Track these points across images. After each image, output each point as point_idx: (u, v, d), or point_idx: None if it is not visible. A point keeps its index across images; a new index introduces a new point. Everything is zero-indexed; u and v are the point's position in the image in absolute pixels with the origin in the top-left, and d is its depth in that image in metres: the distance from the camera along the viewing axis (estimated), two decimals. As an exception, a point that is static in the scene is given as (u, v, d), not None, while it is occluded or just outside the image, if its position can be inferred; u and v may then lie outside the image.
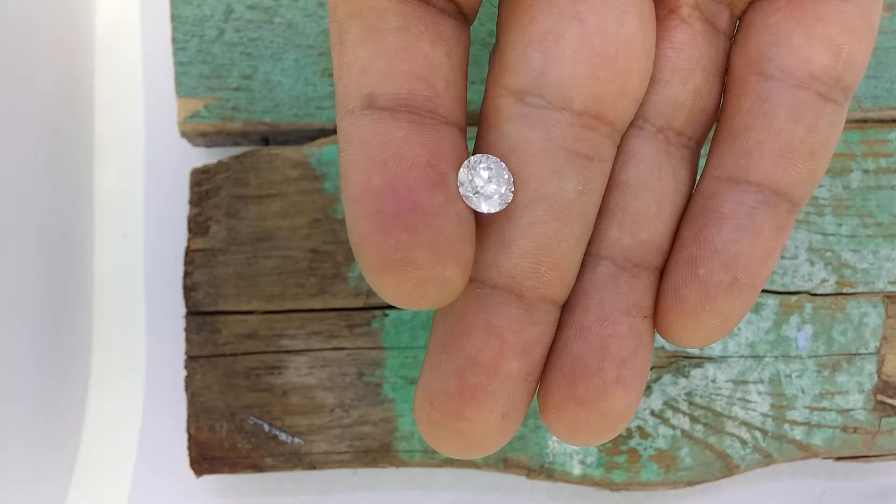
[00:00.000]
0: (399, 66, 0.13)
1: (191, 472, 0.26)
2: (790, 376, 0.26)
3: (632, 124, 0.15)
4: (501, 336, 0.14)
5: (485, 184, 0.14)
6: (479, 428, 0.14)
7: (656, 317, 0.15)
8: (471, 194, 0.13)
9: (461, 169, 0.13)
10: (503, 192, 0.14)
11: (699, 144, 0.16)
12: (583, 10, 0.14)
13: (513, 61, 0.14)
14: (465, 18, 0.15)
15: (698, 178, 0.16)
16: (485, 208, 0.14)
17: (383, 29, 0.13)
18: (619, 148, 0.15)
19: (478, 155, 0.14)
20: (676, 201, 0.15)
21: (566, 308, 0.15)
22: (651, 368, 0.26)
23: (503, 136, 0.14)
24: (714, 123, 0.16)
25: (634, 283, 0.15)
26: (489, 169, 0.14)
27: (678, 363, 0.26)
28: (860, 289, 0.26)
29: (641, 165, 0.15)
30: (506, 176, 0.14)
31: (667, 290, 0.15)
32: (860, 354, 0.26)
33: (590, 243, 0.15)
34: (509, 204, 0.14)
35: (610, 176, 0.15)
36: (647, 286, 0.15)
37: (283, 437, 0.26)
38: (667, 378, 0.26)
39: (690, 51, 0.15)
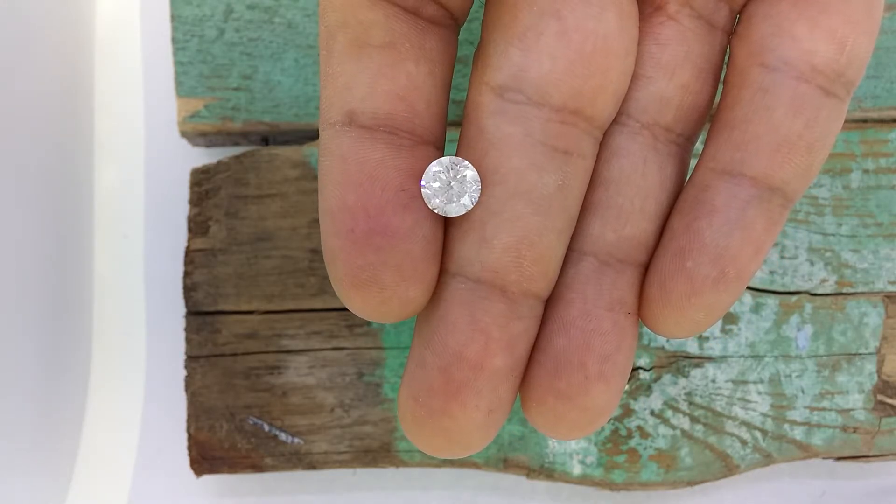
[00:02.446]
0: (382, 85, 0.14)
1: (191, 472, 0.26)
2: (790, 376, 0.26)
3: (615, 121, 0.15)
4: (486, 331, 0.14)
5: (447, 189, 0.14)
6: (465, 425, 0.14)
7: (642, 307, 0.15)
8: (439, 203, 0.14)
9: (425, 178, 0.14)
10: (470, 193, 0.14)
11: (690, 141, 0.16)
12: (562, 7, 0.14)
13: (494, 58, 0.14)
14: (454, 23, 0.15)
15: (692, 169, 0.16)
16: (453, 212, 0.14)
17: (369, 44, 0.14)
18: (602, 144, 0.15)
19: (439, 160, 0.14)
20: (661, 198, 0.15)
21: (549, 303, 0.15)
22: (651, 368, 0.26)
23: (483, 132, 0.14)
24: (707, 119, 0.16)
25: (618, 278, 0.15)
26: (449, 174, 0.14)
27: (678, 363, 0.26)
28: (860, 289, 0.26)
29: (624, 161, 0.15)
30: (469, 175, 0.14)
31: (653, 280, 0.15)
32: (860, 354, 0.26)
33: (573, 239, 0.15)
34: (492, 199, 0.14)
35: (593, 172, 0.15)
36: (630, 282, 0.15)
37: (283, 437, 0.26)
38: (667, 378, 0.26)
39: (677, 46, 0.15)
